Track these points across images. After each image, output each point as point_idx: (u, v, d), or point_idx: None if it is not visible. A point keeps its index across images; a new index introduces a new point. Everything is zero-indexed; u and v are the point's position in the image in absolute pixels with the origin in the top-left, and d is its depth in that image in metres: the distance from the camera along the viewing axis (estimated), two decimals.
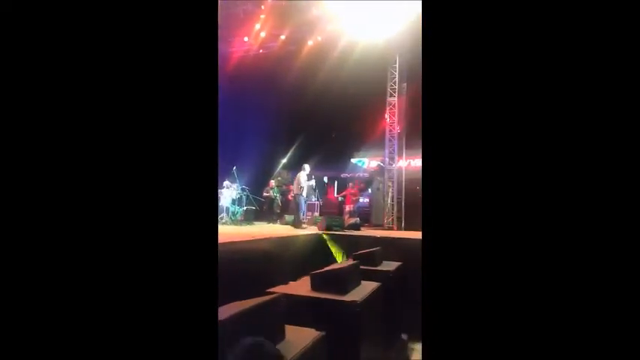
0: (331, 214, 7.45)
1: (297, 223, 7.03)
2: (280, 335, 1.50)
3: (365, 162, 10.79)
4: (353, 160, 10.79)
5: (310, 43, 8.77)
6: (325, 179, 9.78)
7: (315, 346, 1.52)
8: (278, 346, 1.43)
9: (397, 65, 8.25)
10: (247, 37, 8.78)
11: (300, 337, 1.54)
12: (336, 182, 10.04)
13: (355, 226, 6.59)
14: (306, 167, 7.38)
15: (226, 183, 7.74)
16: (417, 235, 5.17)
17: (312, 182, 7.59)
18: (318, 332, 1.61)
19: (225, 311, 1.32)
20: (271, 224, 7.97)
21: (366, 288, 2.56)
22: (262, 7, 7.93)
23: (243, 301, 1.46)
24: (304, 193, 7.25)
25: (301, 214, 7.27)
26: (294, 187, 7.48)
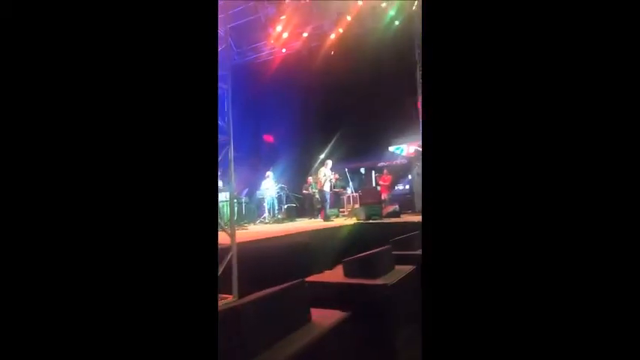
0: (372, 204, 7.43)
1: (325, 217, 7.21)
2: (304, 318, 1.56)
3: (404, 148, 10.53)
4: (391, 148, 10.59)
5: (332, 36, 8.75)
6: (362, 170, 9.72)
7: (340, 325, 1.57)
8: (303, 328, 1.50)
9: (421, 42, 7.99)
10: (272, 40, 8.95)
11: (325, 318, 1.60)
12: (372, 172, 9.94)
13: (395, 214, 6.52)
14: (329, 163, 7.56)
15: (265, 182, 7.96)
16: None
17: (332, 176, 7.77)
18: (344, 313, 1.66)
19: (248, 299, 1.41)
20: (312, 220, 8.11)
21: (400, 272, 2.56)
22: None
23: (267, 290, 1.54)
24: (326, 188, 7.45)
25: (327, 207, 7.46)
26: (317, 183, 7.71)
